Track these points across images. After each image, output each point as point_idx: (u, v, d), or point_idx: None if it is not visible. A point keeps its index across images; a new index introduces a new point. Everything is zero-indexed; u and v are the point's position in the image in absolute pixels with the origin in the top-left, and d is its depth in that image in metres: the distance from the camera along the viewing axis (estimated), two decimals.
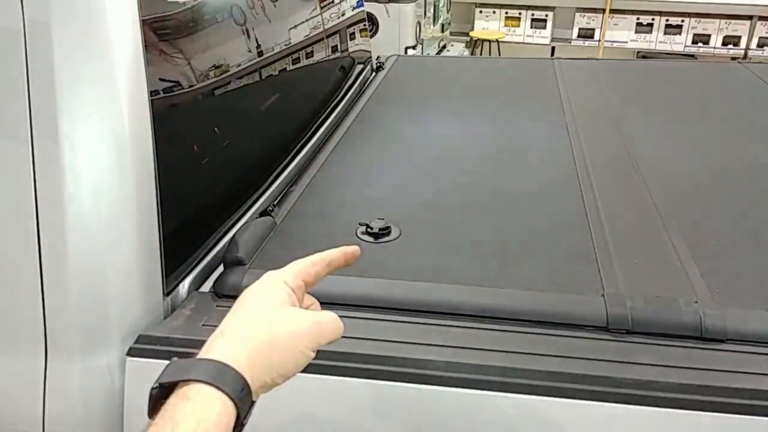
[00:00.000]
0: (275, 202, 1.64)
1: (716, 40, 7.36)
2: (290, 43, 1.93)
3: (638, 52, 7.60)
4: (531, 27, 7.81)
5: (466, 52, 7.48)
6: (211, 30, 1.47)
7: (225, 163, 1.52)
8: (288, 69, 1.91)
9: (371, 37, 3.26)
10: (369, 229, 1.49)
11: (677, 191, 1.73)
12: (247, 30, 1.64)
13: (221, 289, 1.31)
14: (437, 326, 1.21)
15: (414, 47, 5.86)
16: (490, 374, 1.08)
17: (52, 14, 1.09)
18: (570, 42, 7.75)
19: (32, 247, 1.14)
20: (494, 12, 7.84)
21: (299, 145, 1.95)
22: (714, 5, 7.19)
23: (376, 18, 5.57)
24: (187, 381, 0.71)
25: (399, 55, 3.16)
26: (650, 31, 7.49)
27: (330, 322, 0.82)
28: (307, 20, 2.10)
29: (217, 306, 1.27)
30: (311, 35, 2.12)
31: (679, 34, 7.43)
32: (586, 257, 1.40)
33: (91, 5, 1.13)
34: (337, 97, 2.37)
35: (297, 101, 2.04)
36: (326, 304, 1.26)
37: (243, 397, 0.72)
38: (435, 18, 6.58)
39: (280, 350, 0.77)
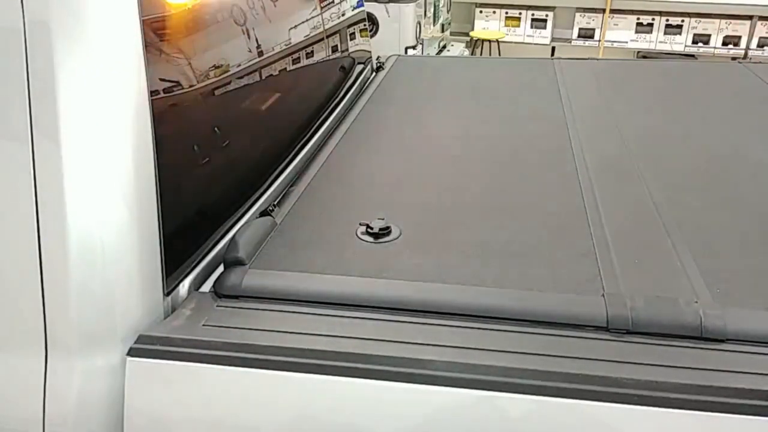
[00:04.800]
0: (275, 202, 1.64)
1: (716, 40, 7.35)
2: (290, 43, 1.93)
3: (638, 52, 7.59)
4: (531, 27, 7.81)
5: (466, 52, 7.48)
6: (211, 30, 1.47)
7: (225, 163, 1.52)
8: (288, 69, 1.91)
9: (371, 37, 3.27)
10: (369, 229, 1.49)
11: (677, 191, 1.73)
12: (247, 30, 1.64)
13: (221, 289, 1.31)
14: (437, 326, 1.21)
15: (414, 47, 5.85)
16: (490, 374, 1.08)
17: (52, 14, 1.09)
18: (570, 42, 7.75)
19: (32, 247, 1.14)
20: (494, 12, 7.83)
21: (299, 145, 1.95)
22: (714, 5, 7.18)
23: (376, 18, 5.56)
24: None
25: (399, 55, 3.16)
26: (650, 31, 7.49)
27: None
28: (307, 20, 2.10)
29: (217, 306, 1.27)
30: (311, 35, 2.12)
31: (679, 34, 7.42)
32: (586, 257, 1.41)
33: (91, 5, 1.13)
34: (337, 97, 2.37)
35: (297, 101, 2.04)
36: (327, 304, 1.27)
37: None
38: (435, 18, 6.58)
39: None
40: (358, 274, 1.34)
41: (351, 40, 2.63)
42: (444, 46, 7.03)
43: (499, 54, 7.40)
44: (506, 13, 7.81)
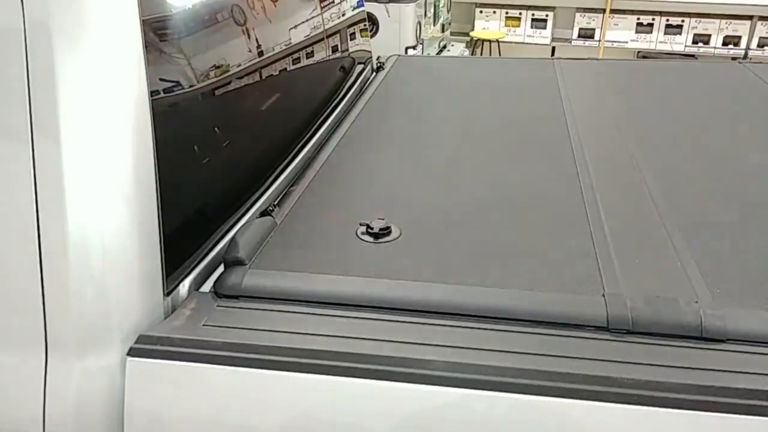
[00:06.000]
0: (275, 202, 1.64)
1: (716, 40, 7.36)
2: (291, 44, 1.93)
3: (638, 52, 7.59)
4: (531, 27, 7.81)
5: (467, 52, 7.48)
6: (211, 30, 1.47)
7: (225, 164, 1.52)
8: (288, 69, 1.91)
9: (371, 37, 3.27)
10: (369, 229, 1.49)
11: (677, 191, 1.73)
12: (247, 30, 1.64)
13: (221, 289, 1.31)
14: (437, 326, 1.21)
15: (414, 47, 5.85)
16: (490, 374, 1.08)
17: (52, 14, 1.09)
18: (570, 42, 7.75)
19: (33, 247, 1.14)
20: (494, 12, 7.83)
21: (300, 146, 1.95)
22: (714, 5, 7.18)
23: (376, 18, 5.56)
24: None
25: (399, 56, 3.16)
26: (650, 31, 7.49)
27: None
28: (307, 20, 2.10)
29: (217, 306, 1.27)
30: (311, 35, 2.12)
31: (680, 34, 7.42)
32: (586, 257, 1.41)
33: (91, 5, 1.13)
34: (337, 97, 2.37)
35: (297, 101, 2.04)
36: (327, 304, 1.27)
37: None
38: (435, 18, 6.58)
39: None
40: (358, 274, 1.34)
41: (351, 40, 2.63)
42: (444, 46, 7.03)
43: (499, 54, 7.40)
44: (506, 13, 7.82)
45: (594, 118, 2.29)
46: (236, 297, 1.30)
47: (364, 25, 2.90)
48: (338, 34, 2.44)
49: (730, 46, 7.33)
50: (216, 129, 1.47)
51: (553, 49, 7.79)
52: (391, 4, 5.66)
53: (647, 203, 1.65)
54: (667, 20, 7.41)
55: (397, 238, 1.48)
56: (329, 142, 2.05)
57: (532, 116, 2.31)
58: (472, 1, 7.89)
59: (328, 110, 2.25)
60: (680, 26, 7.40)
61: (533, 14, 7.77)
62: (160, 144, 1.21)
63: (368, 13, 3.18)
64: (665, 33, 7.46)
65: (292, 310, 1.26)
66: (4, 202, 1.15)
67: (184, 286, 1.31)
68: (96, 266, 1.16)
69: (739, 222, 1.58)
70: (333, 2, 2.40)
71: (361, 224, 1.52)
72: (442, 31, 6.96)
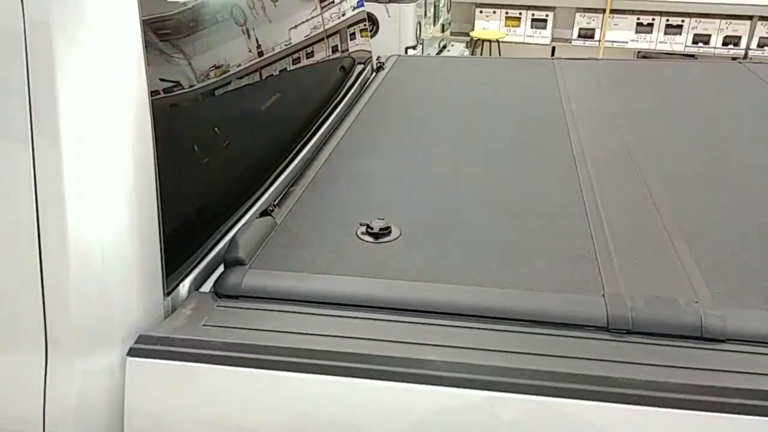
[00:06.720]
0: (275, 202, 1.64)
1: (716, 40, 7.36)
2: (290, 44, 1.93)
3: (638, 52, 7.60)
4: (531, 27, 7.82)
5: (467, 52, 7.48)
6: (211, 30, 1.47)
7: (225, 164, 1.52)
8: (288, 69, 1.91)
9: (371, 37, 3.26)
10: (369, 229, 1.49)
11: (677, 191, 1.73)
12: (247, 30, 1.64)
13: (221, 289, 1.31)
14: (437, 326, 1.21)
15: (414, 47, 5.86)
16: (490, 374, 1.08)
17: (52, 14, 1.09)
18: (570, 42, 7.75)
19: (32, 247, 1.14)
20: (494, 12, 7.84)
21: (300, 145, 1.95)
22: (714, 5, 7.19)
23: (376, 18, 5.57)
24: None
25: (399, 56, 3.16)
26: (650, 31, 7.49)
27: None
28: (307, 20, 2.10)
29: (217, 306, 1.27)
30: (311, 35, 2.12)
31: (680, 34, 7.43)
32: (586, 257, 1.41)
33: (91, 5, 1.13)
34: (337, 97, 2.37)
35: (297, 101, 2.04)
36: (327, 304, 1.27)
37: None
38: (435, 18, 6.58)
39: None
40: (358, 274, 1.34)
41: (351, 40, 2.63)
42: (444, 46, 7.03)
43: (499, 54, 7.40)
44: (506, 13, 7.82)
45: (594, 118, 2.29)
46: (236, 297, 1.30)
47: (364, 25, 2.90)
48: (338, 34, 2.44)
49: (730, 46, 7.34)
50: (216, 129, 1.47)
51: (553, 49, 7.80)
52: (391, 4, 5.67)
53: (647, 203, 1.65)
54: (667, 20, 7.41)
55: (397, 238, 1.48)
56: (329, 142, 2.05)
57: (532, 116, 2.31)
58: (472, 1, 7.90)
59: (328, 110, 2.25)
60: (680, 26, 7.40)
61: (533, 14, 7.77)
62: (160, 144, 1.21)
63: (368, 13, 3.18)
64: (665, 33, 7.46)
65: (292, 310, 1.26)
66: (4, 202, 1.15)
67: (184, 286, 1.31)
68: (96, 266, 1.16)
69: (739, 222, 1.58)
70: (333, 2, 2.40)
71: (361, 224, 1.52)
72: (442, 31, 6.97)
